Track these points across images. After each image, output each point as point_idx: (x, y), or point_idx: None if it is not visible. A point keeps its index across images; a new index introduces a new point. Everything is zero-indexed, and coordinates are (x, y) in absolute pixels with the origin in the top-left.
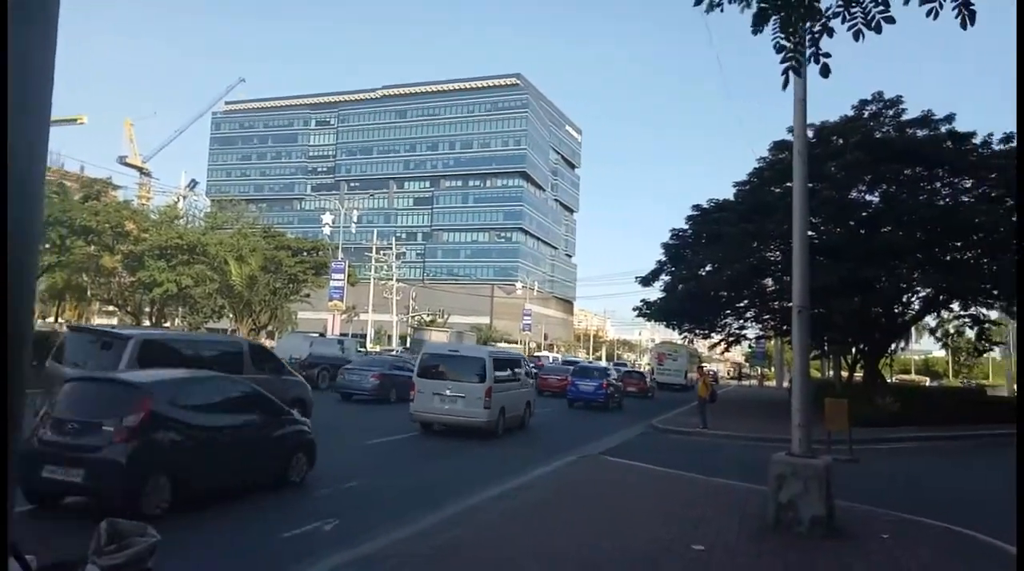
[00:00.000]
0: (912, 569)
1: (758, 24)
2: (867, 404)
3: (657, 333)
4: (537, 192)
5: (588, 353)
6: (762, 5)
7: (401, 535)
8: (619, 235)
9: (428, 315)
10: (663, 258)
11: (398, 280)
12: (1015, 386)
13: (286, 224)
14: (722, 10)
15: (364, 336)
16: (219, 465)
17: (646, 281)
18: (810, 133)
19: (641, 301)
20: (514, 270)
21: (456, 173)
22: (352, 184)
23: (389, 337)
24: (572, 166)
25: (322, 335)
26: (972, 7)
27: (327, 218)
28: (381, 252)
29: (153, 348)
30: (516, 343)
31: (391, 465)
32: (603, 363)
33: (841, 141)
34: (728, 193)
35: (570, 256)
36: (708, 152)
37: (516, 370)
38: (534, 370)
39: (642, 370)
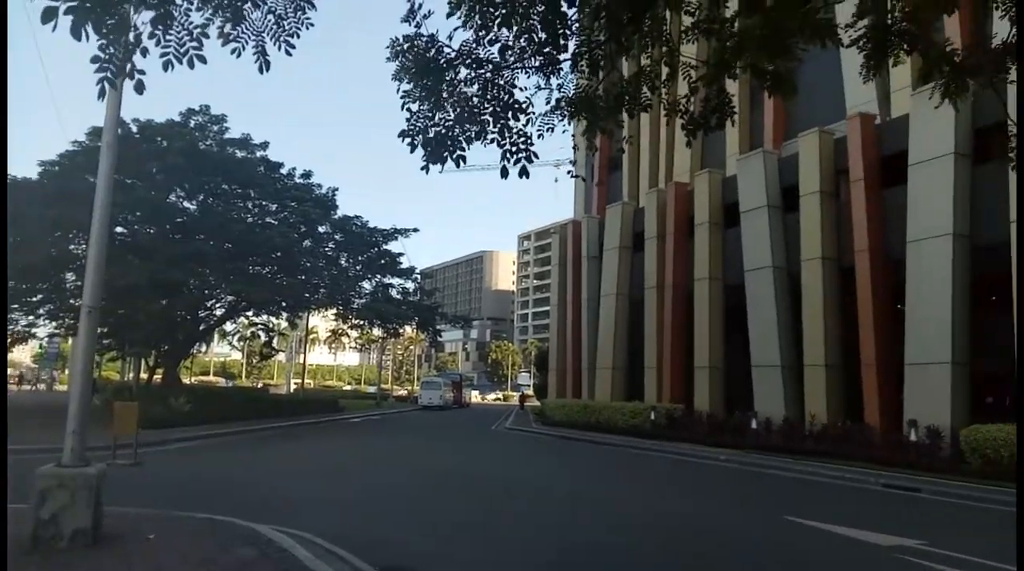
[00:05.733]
0: (166, 561)
1: (47, 20)
2: (162, 405)
3: None
4: None
5: None
6: (50, 5)
7: None
8: None
9: None
10: None
11: None
12: (291, 387)
13: None
14: None
15: None
16: None
17: None
18: (134, 127)
19: None
20: None
21: None
22: None
23: None
24: None
25: None
26: (268, 58)
27: None
28: None
29: None
30: None
31: None
32: None
33: (166, 143)
34: (33, 171)
35: None
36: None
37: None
38: None
39: None
